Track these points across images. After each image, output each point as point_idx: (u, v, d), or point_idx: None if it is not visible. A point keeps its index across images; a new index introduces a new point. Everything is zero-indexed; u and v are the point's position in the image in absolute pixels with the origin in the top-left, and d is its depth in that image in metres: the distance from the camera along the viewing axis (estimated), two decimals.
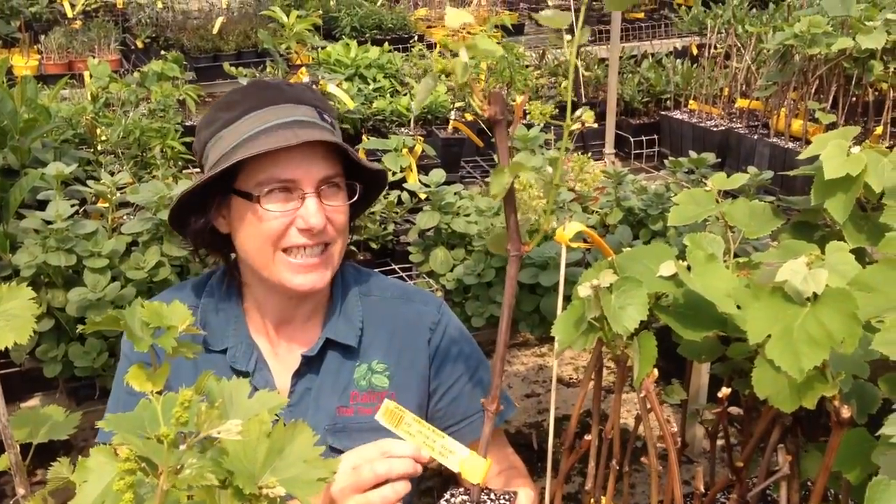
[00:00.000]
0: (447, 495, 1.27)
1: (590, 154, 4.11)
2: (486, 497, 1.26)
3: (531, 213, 0.80)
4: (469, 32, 5.11)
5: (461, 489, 1.28)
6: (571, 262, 2.40)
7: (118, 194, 2.35)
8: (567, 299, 1.27)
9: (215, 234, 1.44)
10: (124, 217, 2.38)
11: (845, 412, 0.90)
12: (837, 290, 0.90)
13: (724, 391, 1.12)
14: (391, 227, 2.78)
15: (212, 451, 0.69)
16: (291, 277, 1.37)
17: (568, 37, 1.05)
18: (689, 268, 1.14)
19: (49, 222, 2.13)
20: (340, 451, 1.42)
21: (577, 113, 1.08)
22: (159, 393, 1.02)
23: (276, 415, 1.32)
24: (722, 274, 1.13)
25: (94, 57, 5.18)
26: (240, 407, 0.87)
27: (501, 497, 1.26)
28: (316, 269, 1.38)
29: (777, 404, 1.05)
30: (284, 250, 1.37)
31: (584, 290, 1.04)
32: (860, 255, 1.24)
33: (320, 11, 5.85)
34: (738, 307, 1.11)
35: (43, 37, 5.64)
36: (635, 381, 1.07)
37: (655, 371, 1.08)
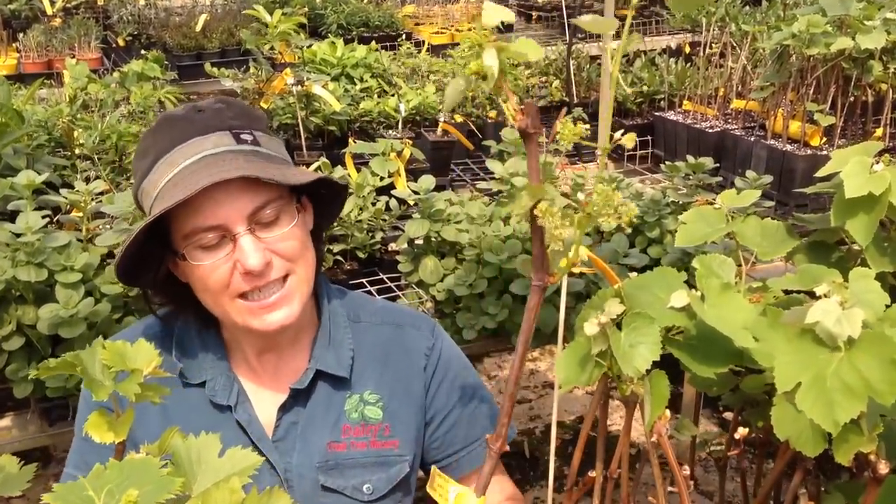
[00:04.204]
0: None
1: (581, 161, 4.04)
2: None
3: (554, 241, 0.72)
4: (457, 30, 5.00)
5: None
6: None
7: (93, 203, 2.24)
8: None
9: (177, 285, 1.31)
10: (100, 227, 2.27)
11: (883, 468, 0.82)
12: (875, 334, 0.81)
13: (742, 432, 1.03)
14: (379, 236, 2.68)
15: None
16: (256, 321, 1.25)
17: (614, 44, 0.95)
18: (702, 297, 1.06)
19: (19, 235, 2.02)
20: (333, 491, 1.32)
21: (617, 136, 0.98)
22: (122, 443, 0.93)
23: (262, 453, 1.22)
24: (738, 304, 1.04)
25: (73, 56, 5.05)
26: (209, 468, 0.78)
27: None
28: (280, 306, 1.25)
29: (799, 447, 0.96)
30: (240, 296, 1.24)
31: (590, 327, 0.95)
32: (882, 280, 1.16)
33: (306, 9, 5.73)
34: (755, 338, 1.03)
35: (21, 35, 5.49)
36: (646, 425, 0.98)
37: (668, 412, 0.99)
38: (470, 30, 4.98)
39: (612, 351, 0.94)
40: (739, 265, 1.25)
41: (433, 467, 1.34)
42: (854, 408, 0.79)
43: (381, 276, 2.64)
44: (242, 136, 1.24)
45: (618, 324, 0.99)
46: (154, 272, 1.30)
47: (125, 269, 1.26)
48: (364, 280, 2.61)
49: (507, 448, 1.11)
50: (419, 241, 2.53)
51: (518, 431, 3.62)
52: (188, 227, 1.21)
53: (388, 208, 2.74)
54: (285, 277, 1.25)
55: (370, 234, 2.65)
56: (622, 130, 0.95)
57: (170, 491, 0.67)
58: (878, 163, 1.16)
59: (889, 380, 0.78)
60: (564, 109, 0.99)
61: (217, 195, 1.19)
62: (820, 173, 1.21)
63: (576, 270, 1.18)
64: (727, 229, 1.27)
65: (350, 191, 2.68)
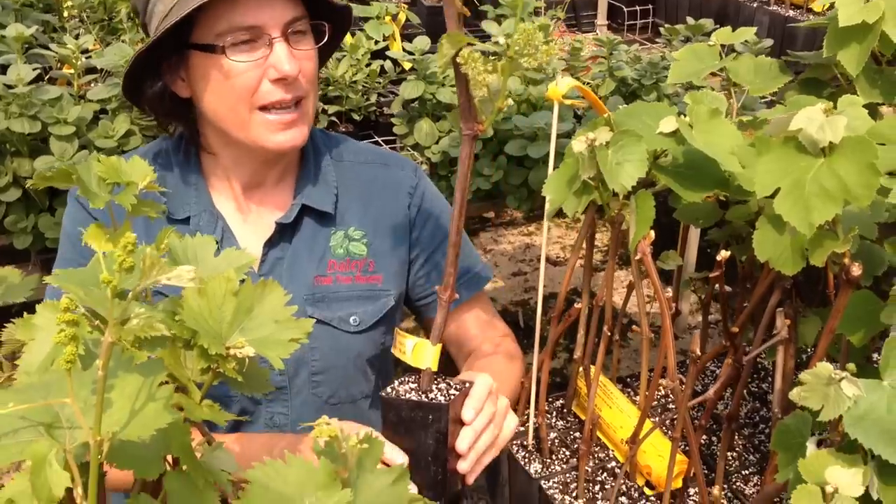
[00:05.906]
0: (396, 382, 1.15)
1: (576, 28, 3.97)
2: (436, 386, 1.14)
3: (479, 89, 0.73)
4: None
5: (414, 376, 1.17)
6: (562, 133, 2.31)
7: (83, 59, 2.22)
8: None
9: (174, 100, 1.31)
10: (91, 84, 2.26)
11: (855, 270, 0.85)
12: (856, 139, 0.82)
13: (724, 254, 1.06)
14: (374, 98, 2.66)
15: (164, 303, 0.62)
16: (271, 136, 1.27)
17: None
18: (690, 124, 1.07)
19: (10, 87, 2.01)
20: (321, 322, 1.36)
21: None
22: None
23: None
24: (726, 130, 1.06)
25: None
26: (205, 265, 0.80)
27: (455, 386, 1.14)
28: (295, 125, 1.28)
29: (778, 266, 1.00)
30: (260, 108, 1.26)
31: (578, 145, 0.96)
32: (872, 110, 1.17)
33: None
34: (742, 166, 1.05)
35: None
36: (631, 243, 1.01)
37: (652, 233, 1.02)
38: None
39: (599, 167, 0.96)
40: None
41: (395, 329, 1.36)
42: (829, 210, 0.81)
43: (377, 138, 2.63)
44: None
45: (606, 146, 1.00)
46: (157, 86, 1.30)
47: (132, 79, 1.28)
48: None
49: (458, 296, 1.13)
50: (414, 104, 2.52)
51: (513, 302, 3.70)
52: (225, 23, 1.21)
53: (383, 71, 2.71)
54: (299, 100, 1.28)
55: (365, 97, 2.63)
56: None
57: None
58: None
59: (866, 183, 0.80)
60: None
61: None
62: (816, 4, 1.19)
63: (567, 103, 1.19)
64: (720, 65, 1.27)
65: (344, 52, 2.65)
